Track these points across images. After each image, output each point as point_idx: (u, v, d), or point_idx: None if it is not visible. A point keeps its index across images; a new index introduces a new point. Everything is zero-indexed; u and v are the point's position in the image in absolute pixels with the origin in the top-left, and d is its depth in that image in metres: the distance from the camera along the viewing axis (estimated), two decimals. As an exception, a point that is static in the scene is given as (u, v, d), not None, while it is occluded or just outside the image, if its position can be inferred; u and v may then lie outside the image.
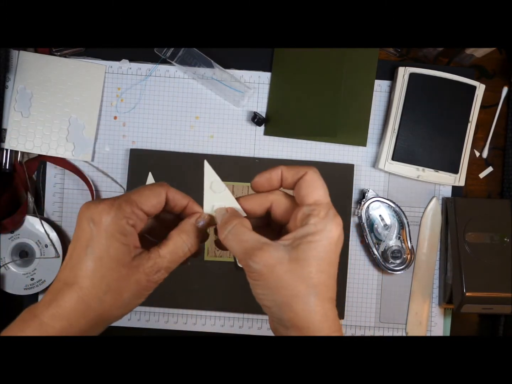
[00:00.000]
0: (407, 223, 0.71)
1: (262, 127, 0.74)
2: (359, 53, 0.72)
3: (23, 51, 0.72)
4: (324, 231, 0.36)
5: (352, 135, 0.73)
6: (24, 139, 0.72)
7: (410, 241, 0.71)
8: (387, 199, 0.72)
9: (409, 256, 0.71)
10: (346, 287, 0.72)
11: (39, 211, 0.72)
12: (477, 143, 0.74)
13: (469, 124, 0.72)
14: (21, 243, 0.71)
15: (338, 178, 0.72)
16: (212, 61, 0.71)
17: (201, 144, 0.73)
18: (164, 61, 0.72)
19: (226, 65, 0.72)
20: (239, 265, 0.72)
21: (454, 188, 0.74)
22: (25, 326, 0.36)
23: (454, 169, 0.72)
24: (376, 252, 0.71)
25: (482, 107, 0.73)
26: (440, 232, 0.73)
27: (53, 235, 0.71)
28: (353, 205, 0.73)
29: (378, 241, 0.72)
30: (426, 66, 0.72)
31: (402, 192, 0.74)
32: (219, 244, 0.41)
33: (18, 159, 0.72)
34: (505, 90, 0.74)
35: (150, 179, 0.43)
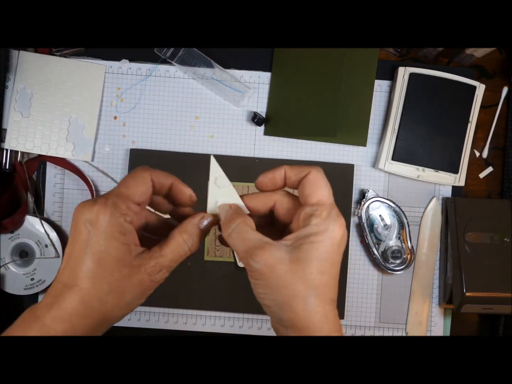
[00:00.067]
0: (407, 223, 0.71)
1: (262, 127, 0.74)
2: (359, 53, 0.72)
3: (23, 51, 0.72)
4: (326, 232, 0.36)
5: (352, 135, 0.73)
6: (24, 139, 0.72)
7: (410, 241, 0.71)
8: (387, 199, 0.72)
9: (409, 256, 0.71)
10: (346, 287, 0.72)
11: (39, 211, 0.72)
12: (477, 143, 0.74)
13: (469, 124, 0.72)
14: (21, 243, 0.71)
15: (338, 178, 0.72)
16: (212, 61, 0.71)
17: (201, 144, 0.73)
18: (164, 61, 0.72)
19: (226, 65, 0.72)
20: (240, 265, 0.72)
21: (454, 188, 0.74)
22: (27, 328, 0.36)
23: (454, 169, 0.72)
24: (376, 252, 0.71)
25: (482, 107, 0.73)
26: (440, 232, 0.73)
27: (53, 235, 0.71)
28: (353, 205, 0.73)
29: (378, 241, 0.72)
30: (426, 66, 0.72)
31: (402, 192, 0.74)
32: (222, 241, 0.41)
33: (18, 159, 0.72)
34: (505, 90, 0.74)
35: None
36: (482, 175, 0.74)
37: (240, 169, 0.72)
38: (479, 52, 0.71)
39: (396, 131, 0.71)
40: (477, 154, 0.75)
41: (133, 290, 0.37)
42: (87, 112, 0.72)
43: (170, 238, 0.39)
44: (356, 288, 0.73)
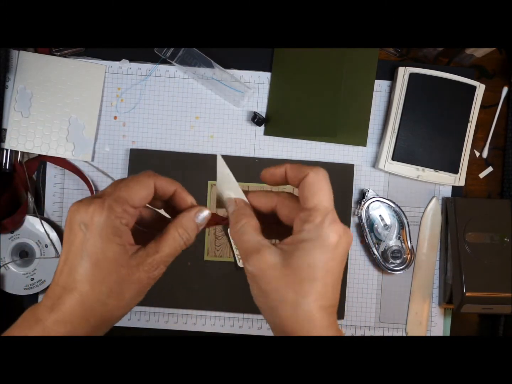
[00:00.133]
0: (407, 223, 0.71)
1: (262, 127, 0.74)
2: (359, 53, 0.72)
3: (23, 51, 0.72)
4: (319, 239, 0.35)
5: (352, 135, 0.73)
6: (24, 139, 0.72)
7: (410, 241, 0.71)
8: (387, 199, 0.72)
9: (409, 256, 0.71)
10: (346, 287, 0.72)
11: (39, 211, 0.72)
12: (477, 143, 0.74)
13: (469, 124, 0.72)
14: (21, 243, 0.71)
15: (338, 178, 0.72)
16: (212, 61, 0.71)
17: (201, 144, 0.73)
18: (164, 61, 0.72)
19: (226, 65, 0.72)
20: (240, 265, 0.72)
21: (454, 188, 0.74)
22: (28, 331, 0.36)
23: (454, 169, 0.72)
24: (376, 252, 0.71)
25: (482, 107, 0.73)
26: (440, 232, 0.73)
27: (53, 235, 0.71)
28: (353, 205, 0.73)
29: (378, 241, 0.72)
30: (426, 66, 0.72)
31: (402, 192, 0.74)
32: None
33: (18, 159, 0.72)
34: (505, 90, 0.74)
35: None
36: (482, 175, 0.74)
37: (240, 169, 0.72)
38: (479, 52, 0.71)
39: (396, 131, 0.71)
40: (477, 154, 0.75)
41: (132, 290, 0.37)
42: (87, 112, 0.72)
43: (165, 233, 0.38)
44: (356, 288, 0.73)
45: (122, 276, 0.36)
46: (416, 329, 0.73)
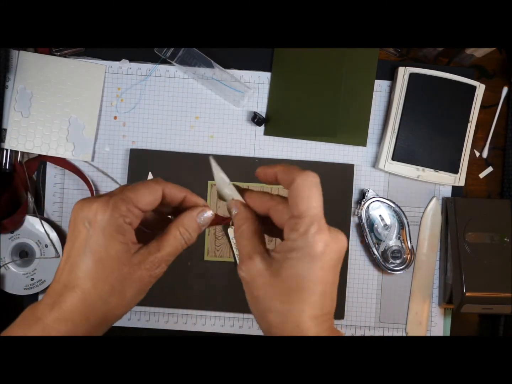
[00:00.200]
0: (407, 223, 0.71)
1: (262, 127, 0.74)
2: (359, 53, 0.72)
3: (23, 51, 0.72)
4: (304, 249, 0.34)
5: (352, 135, 0.73)
6: (24, 139, 0.72)
7: (410, 241, 0.71)
8: (387, 199, 0.72)
9: (409, 256, 0.71)
10: (346, 287, 0.72)
11: (39, 211, 0.72)
12: (477, 143, 0.74)
13: (469, 124, 0.72)
14: (21, 243, 0.71)
15: (338, 178, 0.72)
16: (212, 61, 0.71)
17: (201, 144, 0.73)
18: (164, 61, 0.72)
19: (226, 65, 0.72)
20: (239, 265, 0.72)
21: (454, 188, 0.74)
22: (28, 329, 0.36)
23: (454, 169, 0.72)
24: (376, 252, 0.71)
25: (482, 107, 0.73)
26: (440, 232, 0.73)
27: (53, 235, 0.71)
28: (353, 205, 0.73)
29: (378, 241, 0.72)
30: (426, 66, 0.72)
31: (402, 192, 0.74)
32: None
33: (18, 159, 0.72)
34: (505, 90, 0.74)
35: (145, 180, 0.43)
36: (482, 175, 0.74)
37: (240, 169, 0.72)
38: (479, 52, 0.71)
39: (396, 131, 0.71)
40: (477, 154, 0.75)
41: (134, 288, 0.37)
42: (87, 112, 0.72)
43: (166, 232, 0.38)
44: (356, 288, 0.73)
45: (124, 274, 0.36)
46: (416, 329, 0.73)
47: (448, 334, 0.73)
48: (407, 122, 0.71)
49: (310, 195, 0.35)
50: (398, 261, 0.71)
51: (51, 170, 0.73)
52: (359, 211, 0.72)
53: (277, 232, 0.38)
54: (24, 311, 0.37)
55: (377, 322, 0.73)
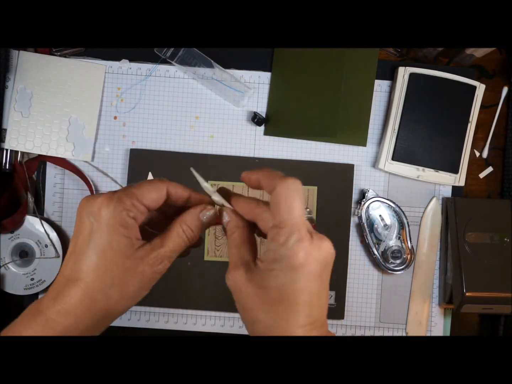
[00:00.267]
0: (407, 223, 0.71)
1: (262, 127, 0.74)
2: (359, 53, 0.72)
3: (23, 51, 0.72)
4: (285, 259, 0.34)
5: (352, 135, 0.73)
6: (24, 139, 0.72)
7: (410, 241, 0.71)
8: (387, 199, 0.72)
9: (409, 256, 0.71)
10: (346, 287, 0.72)
11: (39, 211, 0.72)
12: (477, 143, 0.74)
13: (469, 124, 0.72)
14: (21, 243, 0.71)
15: (338, 178, 0.72)
16: (212, 61, 0.71)
17: (201, 144, 0.73)
18: (164, 61, 0.72)
19: (226, 65, 0.72)
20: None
21: (454, 188, 0.74)
22: (31, 322, 0.36)
23: (454, 169, 0.72)
24: (376, 252, 0.71)
25: (482, 107, 0.73)
26: (440, 232, 0.73)
27: (53, 235, 0.71)
28: (353, 205, 0.73)
29: (378, 241, 0.72)
30: (426, 66, 0.72)
31: (402, 192, 0.74)
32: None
33: (18, 159, 0.72)
34: (505, 90, 0.74)
35: (150, 179, 0.44)
36: (482, 175, 0.74)
37: (240, 169, 0.72)
38: (479, 52, 0.71)
39: (396, 131, 0.71)
40: (477, 154, 0.75)
41: (136, 282, 0.37)
42: (87, 112, 0.72)
43: (170, 229, 0.39)
44: (356, 288, 0.73)
45: (126, 267, 0.36)
46: (416, 329, 0.73)
47: (448, 334, 0.73)
48: (407, 122, 0.71)
49: (290, 203, 0.34)
50: (398, 261, 0.71)
51: (51, 170, 0.73)
52: (359, 211, 0.72)
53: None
54: (29, 305, 0.38)
55: (377, 322, 0.73)
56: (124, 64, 0.73)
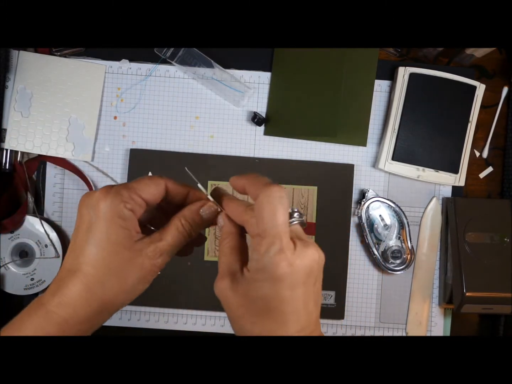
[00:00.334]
0: (407, 223, 0.71)
1: (262, 127, 0.74)
2: (359, 53, 0.72)
3: (23, 51, 0.72)
4: (266, 270, 0.34)
5: (352, 135, 0.73)
6: (24, 139, 0.72)
7: (410, 241, 0.71)
8: (387, 199, 0.72)
9: (409, 256, 0.71)
10: (346, 287, 0.72)
11: (39, 211, 0.72)
12: (477, 143, 0.74)
13: (469, 124, 0.72)
14: (21, 243, 0.71)
15: (338, 178, 0.72)
16: (212, 61, 0.71)
17: (201, 144, 0.73)
18: (164, 61, 0.72)
19: (226, 65, 0.72)
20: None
21: (454, 188, 0.74)
22: (31, 315, 0.37)
23: (454, 169, 0.72)
24: (376, 252, 0.71)
25: (482, 107, 0.73)
26: (440, 232, 0.73)
27: (53, 235, 0.71)
28: (353, 205, 0.73)
29: (378, 241, 0.72)
30: (426, 66, 0.72)
31: (402, 192, 0.74)
32: None
33: (18, 159, 0.72)
34: (505, 90, 0.74)
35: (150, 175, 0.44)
36: (482, 175, 0.74)
37: (240, 169, 0.72)
38: (479, 52, 0.71)
39: (396, 131, 0.71)
40: (477, 154, 0.75)
41: (135, 274, 0.37)
42: (87, 112, 0.72)
43: (169, 223, 0.39)
44: (356, 288, 0.73)
45: (124, 258, 0.37)
46: (416, 329, 0.73)
47: (448, 334, 0.73)
48: (407, 122, 0.71)
49: (273, 212, 0.34)
50: (398, 261, 0.71)
51: (51, 170, 0.73)
52: (359, 211, 0.72)
53: None
54: (32, 301, 0.38)
55: (377, 322, 0.73)
56: (124, 64, 0.73)
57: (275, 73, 0.73)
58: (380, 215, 0.72)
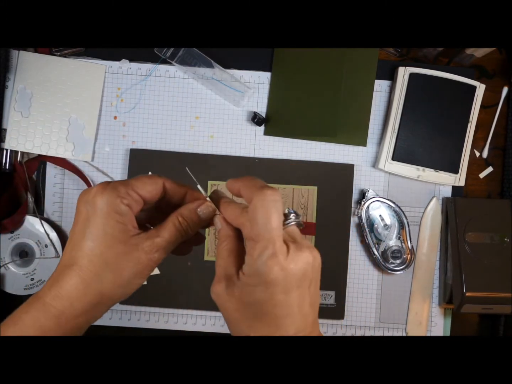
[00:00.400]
0: (407, 223, 0.71)
1: (262, 127, 0.74)
2: (359, 53, 0.72)
3: (23, 51, 0.72)
4: (259, 275, 0.34)
5: (352, 135, 0.73)
6: (24, 139, 0.72)
7: (410, 241, 0.71)
8: (387, 199, 0.72)
9: (409, 256, 0.71)
10: (346, 287, 0.72)
11: (39, 211, 0.72)
12: (477, 143, 0.74)
13: (469, 124, 0.72)
14: (21, 243, 0.71)
15: (338, 178, 0.72)
16: (212, 61, 0.71)
17: (201, 144, 0.73)
18: (164, 61, 0.72)
19: (226, 65, 0.72)
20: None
21: (454, 188, 0.74)
22: (29, 308, 0.37)
23: (454, 169, 0.72)
24: (376, 252, 0.71)
25: (482, 107, 0.73)
26: (440, 232, 0.73)
27: (53, 235, 0.71)
28: (353, 205, 0.73)
29: (378, 241, 0.72)
30: (426, 66, 0.72)
31: (402, 192, 0.74)
32: None
33: (18, 159, 0.72)
34: (505, 90, 0.74)
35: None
36: (482, 175, 0.74)
37: (240, 169, 0.72)
38: (479, 52, 0.71)
39: (396, 131, 0.71)
40: (477, 154, 0.75)
41: (131, 268, 0.37)
42: (87, 112, 0.72)
43: (166, 220, 0.39)
44: (356, 288, 0.73)
45: (120, 252, 0.37)
46: (416, 329, 0.73)
47: (448, 334, 0.73)
48: (407, 122, 0.71)
49: (266, 216, 0.34)
50: (398, 261, 0.71)
51: (51, 170, 0.73)
52: (359, 211, 0.72)
53: None
54: (30, 296, 0.38)
55: (377, 322, 0.73)
56: (124, 64, 0.73)
57: (275, 73, 0.73)
58: (380, 215, 0.72)
